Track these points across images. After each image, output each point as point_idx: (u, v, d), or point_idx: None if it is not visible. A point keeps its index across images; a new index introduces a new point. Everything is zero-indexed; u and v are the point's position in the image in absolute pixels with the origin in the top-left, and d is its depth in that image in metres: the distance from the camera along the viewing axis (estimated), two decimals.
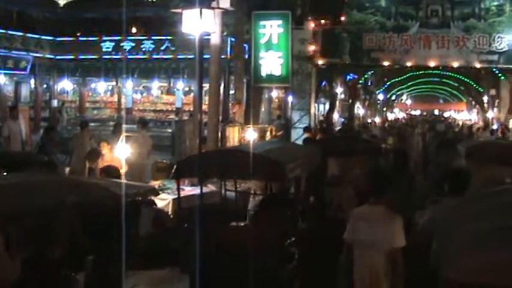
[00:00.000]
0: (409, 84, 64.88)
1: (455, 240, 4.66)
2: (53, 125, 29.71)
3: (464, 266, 3.87)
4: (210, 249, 9.57)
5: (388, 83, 58.84)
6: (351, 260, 8.01)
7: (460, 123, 55.11)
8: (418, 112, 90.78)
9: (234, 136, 21.12)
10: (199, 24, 16.42)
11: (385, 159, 15.65)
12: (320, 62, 27.93)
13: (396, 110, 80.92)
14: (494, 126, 42.01)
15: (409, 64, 28.70)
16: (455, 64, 28.22)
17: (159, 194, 9.80)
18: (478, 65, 28.18)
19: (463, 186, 8.59)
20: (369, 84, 53.61)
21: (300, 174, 11.09)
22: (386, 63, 28.71)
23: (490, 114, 48.71)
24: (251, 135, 19.41)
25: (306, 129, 24.09)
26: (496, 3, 27.28)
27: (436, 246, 4.80)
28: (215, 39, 18.69)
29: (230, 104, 27.42)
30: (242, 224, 10.37)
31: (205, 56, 18.59)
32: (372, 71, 44.62)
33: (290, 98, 27.87)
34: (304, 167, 11.23)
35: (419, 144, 27.00)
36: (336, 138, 20.97)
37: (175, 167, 10.56)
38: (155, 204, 13.32)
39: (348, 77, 42.03)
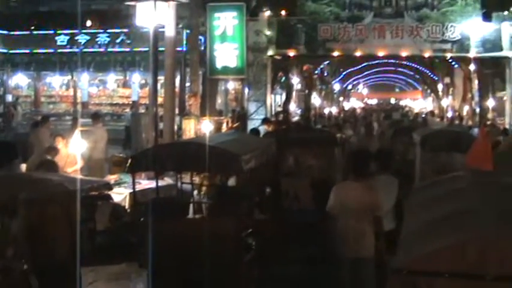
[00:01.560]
0: (365, 73, 65.24)
1: (405, 229, 4.74)
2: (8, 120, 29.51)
3: (411, 255, 3.93)
4: (166, 243, 9.57)
5: (344, 73, 59.12)
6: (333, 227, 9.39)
7: (416, 111, 55.51)
8: (374, 101, 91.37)
9: (190, 128, 21.09)
10: (154, 17, 16.45)
11: (340, 149, 15.77)
12: (275, 53, 27.95)
13: (353, 99, 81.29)
14: (449, 114, 42.53)
15: (363, 54, 28.85)
16: (410, 53, 28.46)
17: (112, 189, 9.73)
18: (431, 54, 28.43)
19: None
20: (325, 74, 53.82)
21: (256, 166, 11.13)
22: (341, 54, 28.83)
23: (445, 102, 49.24)
24: (207, 127, 19.43)
25: (265, 120, 23.40)
26: None
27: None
28: (170, 31, 18.61)
29: (186, 97, 27.39)
30: (198, 217, 10.37)
31: (160, 49, 18.62)
32: (328, 61, 44.82)
33: (246, 90, 27.89)
34: (259, 158, 11.26)
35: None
36: (292, 129, 21.03)
37: (129, 160, 10.53)
38: (112, 199, 13.27)
39: (304, 68, 42.19)
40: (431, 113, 43.98)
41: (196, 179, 12.78)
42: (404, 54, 28.93)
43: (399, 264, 3.87)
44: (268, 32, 27.20)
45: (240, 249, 10.00)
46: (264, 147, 12.13)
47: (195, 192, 12.46)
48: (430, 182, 6.24)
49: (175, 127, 20.81)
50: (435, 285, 3.81)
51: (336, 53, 28.91)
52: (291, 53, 28.16)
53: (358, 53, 28.58)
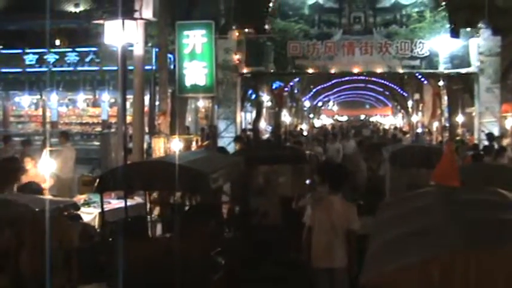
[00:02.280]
0: (335, 90, 65.57)
1: (371, 245, 4.73)
2: None
3: (376, 271, 3.93)
4: (134, 263, 9.51)
5: (314, 90, 59.34)
6: (310, 240, 9.82)
7: (386, 127, 55.87)
8: (345, 118, 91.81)
9: (159, 147, 21.01)
10: (122, 36, 16.39)
11: (309, 166, 15.78)
12: (245, 70, 27.96)
13: (323, 116, 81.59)
14: (419, 130, 42.81)
15: (333, 71, 28.92)
16: (379, 70, 28.53)
17: (79, 209, 9.67)
18: (400, 70, 28.53)
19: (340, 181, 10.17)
20: (295, 91, 53.98)
21: (224, 184, 11.12)
22: (310, 71, 28.85)
23: (415, 118, 49.55)
24: (177, 145, 19.36)
25: (237, 139, 23.67)
26: (416, 9, 27.66)
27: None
28: (138, 50, 18.57)
29: (156, 115, 27.31)
30: (167, 236, 10.31)
31: (129, 68, 18.57)
32: (298, 79, 44.93)
33: (216, 108, 27.88)
34: (228, 177, 11.25)
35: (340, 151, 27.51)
36: (261, 147, 21.04)
37: (98, 180, 10.47)
38: (81, 219, 13.18)
39: (274, 85, 42.26)
40: (399, 129, 44.32)
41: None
42: (373, 70, 29.01)
43: (364, 280, 3.87)
44: (237, 50, 27.18)
45: (208, 268, 9.96)
46: (232, 165, 12.11)
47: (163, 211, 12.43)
48: (396, 198, 6.26)
49: (146, 146, 20.76)
50: None
51: (306, 70, 28.98)
52: (260, 70, 28.18)
53: (327, 70, 28.64)
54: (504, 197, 5.32)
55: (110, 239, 10.77)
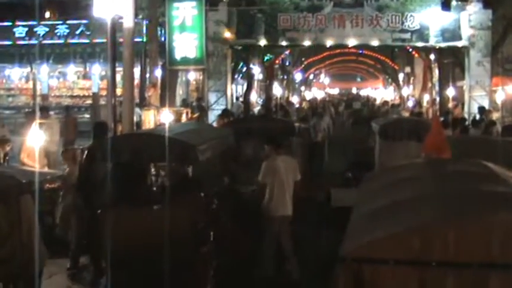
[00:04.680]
0: (327, 63, 65.48)
1: (353, 217, 4.76)
2: None
3: (356, 243, 3.95)
4: (122, 235, 9.53)
5: (305, 63, 59.23)
6: (263, 194, 11.72)
7: (377, 100, 55.92)
8: (336, 91, 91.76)
9: (149, 119, 20.99)
10: (111, 7, 16.31)
11: (297, 138, 15.81)
12: (235, 43, 27.89)
13: (314, 89, 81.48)
14: (410, 103, 42.81)
15: (324, 43, 28.87)
16: (370, 43, 28.52)
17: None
18: (391, 43, 28.53)
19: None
20: (287, 64, 53.87)
21: (213, 156, 11.13)
22: (301, 43, 28.85)
23: (406, 91, 49.56)
24: (167, 117, 19.33)
25: (224, 112, 23.51)
26: None
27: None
28: (128, 22, 18.46)
29: (146, 87, 27.26)
30: (155, 208, 10.30)
31: (120, 40, 18.50)
32: (289, 51, 44.82)
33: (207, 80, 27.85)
34: (217, 149, 11.26)
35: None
36: (250, 119, 21.03)
37: (86, 152, 10.46)
38: None
39: (266, 58, 42.18)
40: (387, 102, 44.36)
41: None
42: (364, 43, 28.98)
43: (344, 252, 3.89)
44: (227, 22, 27.08)
45: (197, 241, 9.98)
46: (222, 137, 12.13)
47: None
48: (381, 170, 6.29)
49: (137, 118, 20.71)
50: (380, 273, 3.83)
51: (297, 43, 28.95)
52: (250, 42, 28.10)
53: (318, 43, 28.58)
54: (487, 169, 5.35)
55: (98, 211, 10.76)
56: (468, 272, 3.81)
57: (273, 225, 11.79)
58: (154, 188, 11.84)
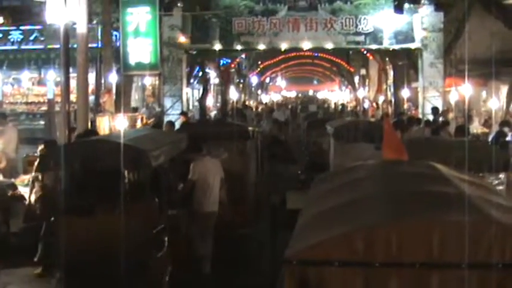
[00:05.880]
0: (283, 66, 65.65)
1: (300, 219, 4.81)
2: None
3: (301, 245, 3.99)
4: (77, 242, 9.50)
5: (261, 66, 59.35)
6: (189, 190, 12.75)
7: (333, 103, 56.30)
8: (293, 93, 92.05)
9: (104, 125, 20.89)
10: (64, 13, 16.24)
11: (251, 141, 15.87)
12: (190, 47, 27.86)
13: (271, 92, 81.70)
14: (365, 105, 43.18)
15: (279, 47, 28.98)
16: (324, 46, 28.66)
17: (17, 189, 9.60)
18: (345, 46, 28.74)
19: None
20: (243, 68, 53.96)
21: (166, 161, 11.13)
22: (256, 47, 28.94)
23: (361, 93, 49.91)
24: (121, 123, 19.29)
25: (182, 113, 25.13)
26: None
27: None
28: (81, 27, 18.42)
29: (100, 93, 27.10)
30: (109, 214, 10.27)
31: (75, 46, 18.41)
32: (245, 55, 44.90)
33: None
34: (170, 154, 11.27)
35: None
36: (204, 123, 21.03)
37: (38, 160, 10.40)
38: (26, 199, 13.10)
39: (222, 62, 42.19)
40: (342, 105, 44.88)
41: None
42: (319, 46, 29.12)
43: (289, 254, 3.93)
44: (182, 27, 27.03)
45: (152, 247, 9.99)
46: (175, 142, 12.14)
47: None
48: (330, 173, 6.35)
49: (91, 124, 20.59)
50: (325, 274, 3.88)
51: (252, 47, 29.04)
52: (205, 47, 28.06)
53: (272, 46, 28.67)
54: (435, 170, 5.43)
55: (52, 219, 10.71)
56: (411, 272, 3.88)
57: (199, 221, 12.65)
58: (108, 194, 11.78)
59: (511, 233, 3.81)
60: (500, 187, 10.05)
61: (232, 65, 45.26)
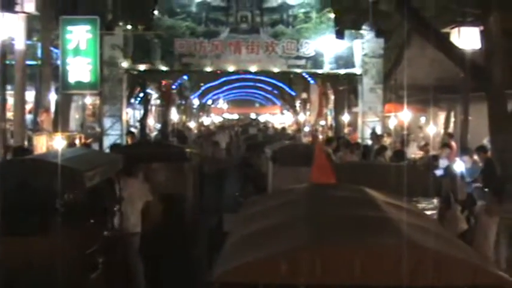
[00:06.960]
0: (225, 88, 65.80)
1: (227, 242, 4.80)
2: None
3: (225, 267, 3.99)
4: (7, 265, 9.34)
5: (203, 88, 59.33)
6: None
7: (272, 126, 56.52)
8: (235, 116, 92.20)
9: (42, 145, 20.64)
10: (1, 29, 16.09)
11: (189, 163, 15.86)
12: (131, 67, 27.72)
13: (212, 114, 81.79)
14: (306, 129, 43.43)
15: (220, 69, 29.00)
16: (266, 68, 28.76)
17: None
18: (286, 70, 28.87)
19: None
20: (184, 89, 53.88)
21: (102, 182, 11.03)
22: (198, 68, 28.94)
23: (302, 117, 50.23)
24: (59, 143, 19.08)
25: (129, 133, 25.62)
26: (303, 10, 27.99)
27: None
28: (20, 44, 18.26)
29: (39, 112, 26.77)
30: (41, 235, 10.13)
31: (13, 62, 18.21)
32: (187, 76, 44.84)
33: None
34: (105, 174, 11.17)
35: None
36: (142, 145, 20.92)
37: None
38: None
39: (163, 83, 42.09)
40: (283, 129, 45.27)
41: None
42: (260, 69, 29.20)
43: (213, 277, 3.92)
44: (123, 47, 26.88)
45: (84, 267, 9.86)
46: (110, 162, 12.04)
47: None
48: (261, 196, 6.36)
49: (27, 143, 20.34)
50: None
51: (193, 68, 29.03)
52: (146, 67, 27.93)
53: (214, 68, 28.67)
54: (365, 195, 5.47)
55: None
56: None
57: (123, 242, 12.65)
58: (41, 215, 11.62)
59: (431, 256, 3.86)
60: (433, 212, 10.20)
61: (174, 86, 45.17)
